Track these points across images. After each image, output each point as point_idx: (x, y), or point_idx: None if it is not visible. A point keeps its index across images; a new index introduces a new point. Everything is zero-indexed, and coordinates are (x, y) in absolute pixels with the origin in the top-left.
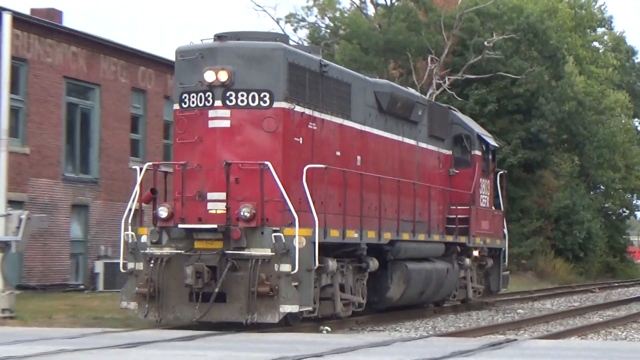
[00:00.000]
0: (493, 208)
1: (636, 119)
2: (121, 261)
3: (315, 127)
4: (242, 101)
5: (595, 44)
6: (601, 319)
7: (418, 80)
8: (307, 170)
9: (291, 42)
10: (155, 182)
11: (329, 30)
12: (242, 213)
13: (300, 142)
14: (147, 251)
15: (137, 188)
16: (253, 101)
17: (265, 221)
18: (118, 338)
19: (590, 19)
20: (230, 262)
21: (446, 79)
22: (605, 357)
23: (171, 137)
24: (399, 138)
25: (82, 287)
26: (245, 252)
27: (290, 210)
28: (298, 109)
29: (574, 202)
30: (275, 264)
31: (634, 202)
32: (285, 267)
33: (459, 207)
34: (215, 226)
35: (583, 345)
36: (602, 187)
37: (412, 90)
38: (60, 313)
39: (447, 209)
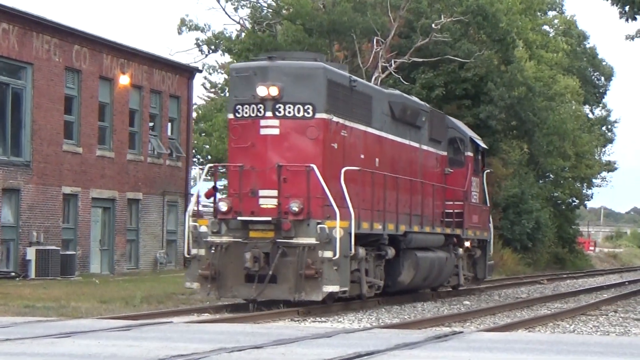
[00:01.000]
0: (482, 204)
1: (586, 106)
2: (186, 247)
3: (346, 134)
4: (289, 112)
5: (546, 27)
6: (549, 311)
7: (363, 63)
8: (345, 171)
9: (327, 64)
10: (215, 181)
11: (271, 10)
12: (292, 207)
13: (336, 147)
14: (208, 239)
15: (199, 184)
16: (298, 112)
17: (310, 215)
18: (51, 327)
19: (540, 1)
20: (281, 249)
21: (392, 61)
22: (552, 350)
23: (107, 119)
24: (407, 141)
25: (13, 274)
26: (294, 240)
27: (332, 205)
28: (334, 119)
29: (522, 191)
30: (320, 251)
31: (584, 191)
32: (328, 254)
33: (454, 203)
34: (269, 218)
35: (530, 337)
36: (551, 175)
37: (415, 99)
38: None
39: (443, 205)
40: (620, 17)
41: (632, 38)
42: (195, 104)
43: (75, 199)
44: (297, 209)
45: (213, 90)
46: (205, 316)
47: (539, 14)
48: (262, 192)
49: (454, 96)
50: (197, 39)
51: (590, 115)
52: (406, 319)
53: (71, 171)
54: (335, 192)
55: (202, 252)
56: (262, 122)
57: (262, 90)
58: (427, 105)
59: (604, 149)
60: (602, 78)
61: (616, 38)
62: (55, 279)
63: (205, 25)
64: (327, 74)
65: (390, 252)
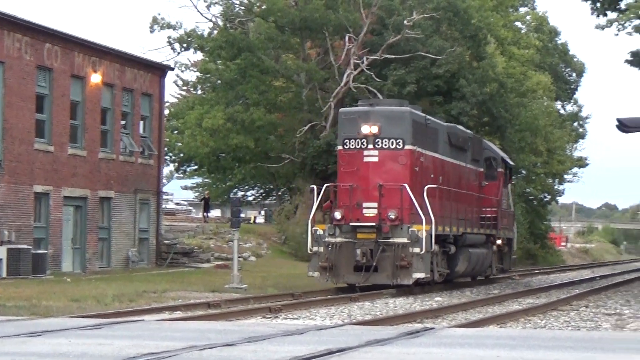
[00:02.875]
0: (509, 209)
1: (558, 102)
2: (309, 245)
3: (423, 160)
4: (385, 145)
5: (518, 23)
6: (520, 307)
7: (335, 60)
8: (427, 188)
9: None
10: (332, 196)
11: (243, 8)
12: (389, 216)
13: (417, 170)
14: (326, 239)
15: (317, 200)
16: (392, 145)
17: (403, 221)
18: (22, 326)
19: None
20: (381, 247)
21: (364, 58)
22: (524, 345)
23: (78, 117)
24: (458, 162)
25: None
26: (391, 240)
27: (419, 214)
28: (417, 149)
29: None
30: (410, 247)
31: (556, 187)
32: (416, 249)
33: (488, 209)
34: (374, 224)
35: (502, 333)
36: (523, 171)
37: (463, 128)
38: None
39: (480, 210)
40: (592, 13)
41: (603, 28)
42: (168, 102)
43: (47, 198)
44: (393, 217)
45: (185, 88)
46: (177, 314)
47: (510, 10)
48: (365, 205)
49: (426, 92)
50: (169, 37)
51: (562, 111)
52: (378, 315)
53: (42, 170)
54: (420, 203)
55: (321, 249)
56: (365, 152)
57: (365, 129)
58: (472, 132)
59: (575, 145)
60: (574, 74)
61: (587, 34)
62: (27, 278)
63: (177, 23)
64: (412, 115)
65: (452, 248)
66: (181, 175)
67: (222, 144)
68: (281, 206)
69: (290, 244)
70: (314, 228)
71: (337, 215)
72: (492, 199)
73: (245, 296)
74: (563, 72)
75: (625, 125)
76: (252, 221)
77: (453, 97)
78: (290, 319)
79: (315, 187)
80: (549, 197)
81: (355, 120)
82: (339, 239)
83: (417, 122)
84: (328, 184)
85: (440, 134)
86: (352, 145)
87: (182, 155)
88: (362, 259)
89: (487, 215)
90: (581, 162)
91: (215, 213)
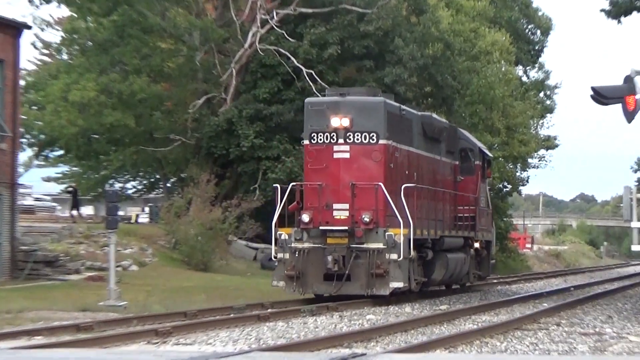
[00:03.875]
0: (487, 208)
1: (519, 67)
2: (273, 252)
3: (397, 155)
4: (358, 139)
5: None
6: (475, 326)
7: (238, 16)
8: (404, 187)
9: None
10: (298, 197)
11: None
12: (364, 218)
13: (392, 167)
14: (292, 245)
15: (280, 201)
16: (365, 139)
17: (378, 224)
18: None
19: None
20: (354, 253)
21: (274, 13)
22: None
23: None
24: (432, 155)
25: None
26: (365, 245)
27: (396, 216)
28: (392, 143)
29: None
30: (387, 254)
31: (518, 174)
32: (394, 256)
33: (465, 208)
34: (346, 228)
35: (451, 359)
36: None
37: (438, 117)
38: None
39: (456, 209)
40: None
41: None
42: (25, 69)
43: None
44: (368, 220)
45: (47, 51)
46: (38, 340)
47: None
48: (336, 206)
49: (352, 56)
50: None
51: (525, 79)
52: (294, 338)
53: None
54: (396, 204)
55: (287, 256)
56: (335, 148)
57: (335, 122)
58: (447, 122)
59: (541, 121)
60: (538, 32)
61: None
62: None
63: None
64: (387, 106)
65: (430, 254)
66: (42, 163)
67: (95, 123)
68: (170, 201)
69: (181, 249)
70: (278, 232)
71: (305, 218)
72: (469, 196)
73: (125, 316)
74: (525, 30)
75: (602, 96)
76: (133, 220)
77: (387, 61)
78: (183, 344)
79: (279, 186)
80: (510, 187)
81: (324, 111)
82: (306, 245)
83: (392, 113)
84: (294, 183)
85: (414, 124)
86: (321, 139)
87: (43, 137)
88: (333, 266)
89: (464, 215)
90: (549, 143)
91: (86, 210)
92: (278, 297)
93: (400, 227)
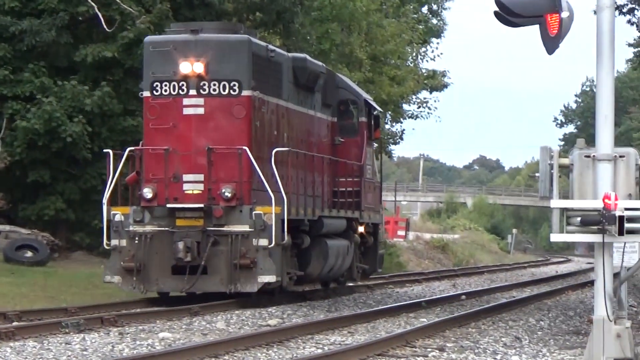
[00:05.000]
0: (374, 179)
1: None
2: (104, 238)
3: (265, 111)
4: (215, 90)
5: None
6: (319, 350)
7: None
8: (275, 153)
9: None
10: (138, 166)
11: None
12: (224, 193)
13: (258, 125)
14: (131, 229)
15: (113, 170)
16: (224, 90)
17: (242, 200)
18: None
19: None
20: (212, 238)
21: None
22: None
23: None
24: (305, 110)
25: None
26: (226, 228)
27: (266, 190)
28: (258, 95)
29: None
30: (254, 239)
31: (388, 126)
32: (263, 242)
33: (347, 180)
34: (201, 205)
35: None
36: None
37: (313, 60)
38: None
39: (335, 182)
40: None
41: None
42: None
43: None
44: (230, 195)
45: None
46: None
47: None
48: (187, 177)
49: None
50: None
51: None
52: None
53: None
54: (265, 175)
55: (124, 242)
56: (186, 101)
57: (185, 67)
58: (324, 65)
59: (424, 49)
60: None
61: None
62: None
63: None
64: (252, 46)
65: (307, 240)
66: None
67: None
68: None
69: None
70: (112, 212)
71: (148, 193)
72: (352, 164)
73: None
74: None
75: (512, 12)
76: None
77: None
78: None
79: (110, 151)
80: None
81: (170, 53)
82: (149, 228)
83: (258, 55)
84: (131, 148)
85: (284, 70)
86: (166, 90)
87: None
88: (185, 256)
89: (346, 190)
90: (435, 82)
91: None
92: (29, 305)
93: (271, 205)
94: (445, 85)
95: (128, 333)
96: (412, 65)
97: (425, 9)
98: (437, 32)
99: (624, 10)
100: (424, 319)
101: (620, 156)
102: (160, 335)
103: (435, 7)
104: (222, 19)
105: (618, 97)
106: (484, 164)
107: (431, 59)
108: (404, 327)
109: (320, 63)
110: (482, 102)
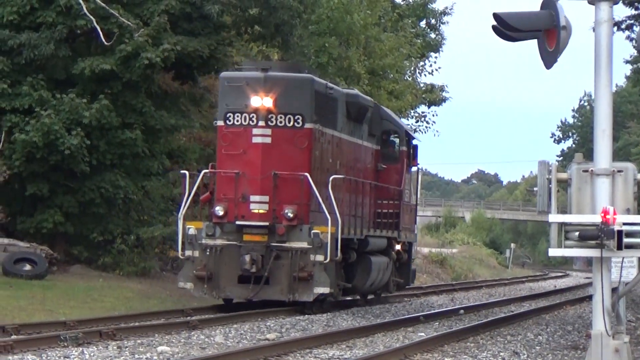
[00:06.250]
0: (411, 202)
1: None
2: (179, 249)
3: (323, 141)
4: (281, 122)
5: None
6: None
7: None
8: (332, 179)
9: None
10: (211, 186)
11: None
12: (287, 214)
13: (317, 154)
14: (203, 241)
15: (188, 189)
16: (289, 123)
17: (302, 220)
18: None
19: None
20: (275, 252)
21: None
22: None
23: None
24: (355, 140)
25: None
26: (287, 244)
27: (323, 212)
28: (318, 127)
29: None
30: (312, 255)
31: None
32: (319, 257)
33: (388, 202)
34: (266, 223)
35: None
36: None
37: (362, 94)
38: None
39: (377, 204)
40: None
41: None
42: None
43: None
44: (291, 215)
45: None
46: None
47: None
48: (253, 198)
49: None
50: None
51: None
52: None
53: None
54: (323, 198)
55: (197, 253)
56: (255, 131)
57: (256, 101)
58: (372, 100)
59: (422, 63)
60: None
61: None
62: None
63: None
64: (314, 85)
65: (354, 256)
66: None
67: None
68: None
69: None
70: (186, 227)
71: (219, 211)
72: (392, 188)
73: None
74: None
75: (510, 27)
76: None
77: None
78: None
79: (187, 172)
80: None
81: (243, 88)
82: (219, 241)
83: (319, 92)
84: (205, 170)
85: (339, 104)
86: (238, 121)
87: None
88: (250, 267)
89: (387, 211)
90: (433, 96)
91: None
92: (27, 318)
93: (327, 225)
94: (444, 100)
95: (127, 347)
96: (410, 79)
97: (423, 23)
98: (436, 47)
99: (622, 26)
100: (422, 334)
101: (619, 171)
102: (158, 349)
103: (433, 21)
104: (221, 32)
105: (617, 111)
106: (483, 178)
107: (429, 73)
108: (402, 342)
109: (369, 98)
110: (481, 117)
